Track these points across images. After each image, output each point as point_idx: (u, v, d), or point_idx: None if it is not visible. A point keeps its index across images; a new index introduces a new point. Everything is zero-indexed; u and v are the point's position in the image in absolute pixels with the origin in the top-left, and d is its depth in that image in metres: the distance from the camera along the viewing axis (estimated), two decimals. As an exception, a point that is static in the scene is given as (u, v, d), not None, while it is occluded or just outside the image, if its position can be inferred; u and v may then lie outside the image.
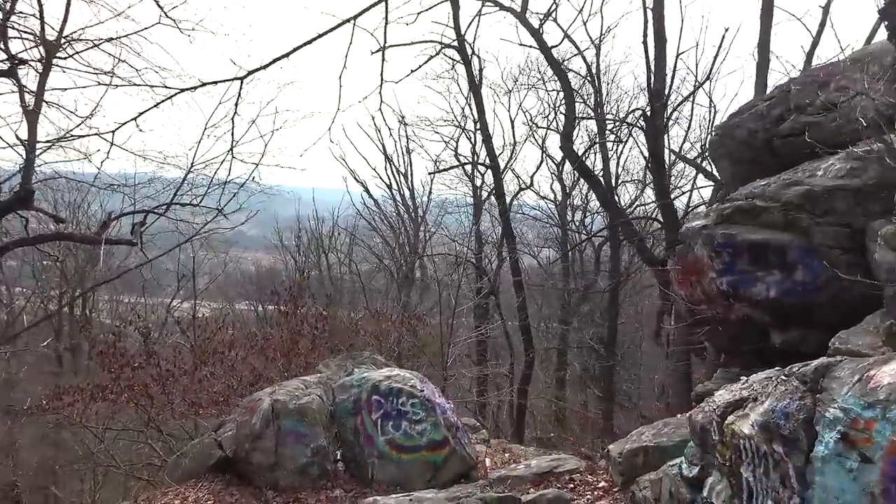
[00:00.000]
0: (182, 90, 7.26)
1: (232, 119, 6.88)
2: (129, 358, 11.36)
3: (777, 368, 5.48)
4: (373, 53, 11.24)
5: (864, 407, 3.58)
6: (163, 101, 7.88)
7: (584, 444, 20.26)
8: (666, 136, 13.54)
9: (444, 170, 20.55)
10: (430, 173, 20.34)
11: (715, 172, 14.83)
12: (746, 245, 7.46)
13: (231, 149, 10.06)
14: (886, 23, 7.41)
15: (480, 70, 18.67)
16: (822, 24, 14.31)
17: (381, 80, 7.88)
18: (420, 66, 15.14)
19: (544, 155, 25.27)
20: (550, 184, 27.59)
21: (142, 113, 9.13)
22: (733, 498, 4.99)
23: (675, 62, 13.21)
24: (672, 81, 13.03)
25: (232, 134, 7.06)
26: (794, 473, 4.04)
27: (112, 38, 9.41)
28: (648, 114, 12.88)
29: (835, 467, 3.69)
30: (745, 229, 7.56)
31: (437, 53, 16.37)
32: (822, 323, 7.37)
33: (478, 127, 20.70)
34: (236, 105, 6.60)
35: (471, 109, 23.25)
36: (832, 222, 7.32)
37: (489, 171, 23.06)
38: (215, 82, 6.70)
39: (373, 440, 9.11)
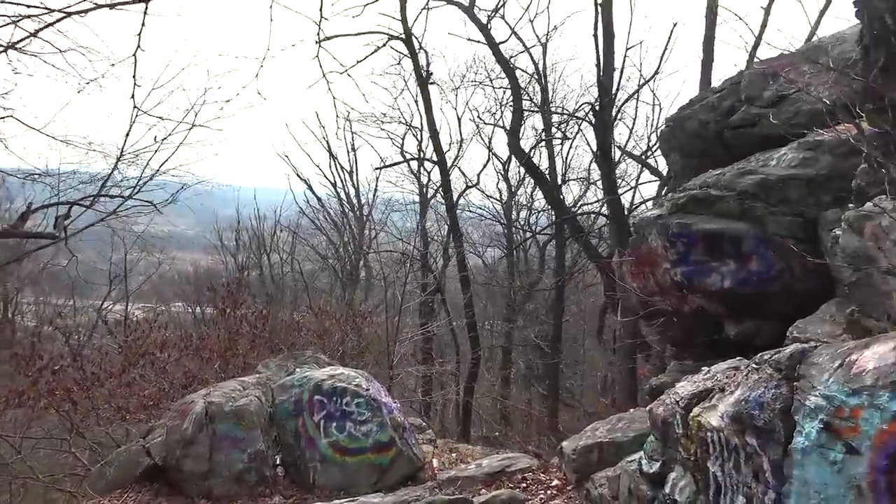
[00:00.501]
0: (69, 13, 6.30)
1: (134, 55, 6.11)
2: (50, 360, 10.46)
3: (739, 358, 5.25)
4: (317, 43, 10.66)
5: (848, 394, 3.31)
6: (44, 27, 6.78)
7: (530, 441, 20.15)
8: (613, 133, 13.45)
9: (390, 165, 20.11)
10: (375, 168, 19.84)
11: (661, 168, 14.84)
12: (702, 234, 7.27)
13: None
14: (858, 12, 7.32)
15: (428, 64, 18.28)
16: (764, 26, 14.49)
17: (319, 56, 7.29)
18: (366, 58, 14.66)
19: (490, 154, 25.06)
20: (496, 182, 27.45)
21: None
22: (698, 494, 4.70)
23: (624, 58, 13.11)
24: (620, 78, 12.96)
25: (134, 78, 6.20)
26: (769, 467, 3.76)
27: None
28: (597, 108, 12.73)
29: (816, 459, 3.41)
30: (700, 219, 7.38)
31: (384, 45, 15.92)
32: (776, 314, 7.24)
33: (425, 123, 20.29)
34: (139, 36, 5.79)
35: (417, 106, 22.93)
36: (786, 212, 7.19)
37: (436, 169, 22.73)
38: (112, 5, 5.89)
39: (315, 443, 8.58)
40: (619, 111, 13.32)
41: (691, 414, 4.73)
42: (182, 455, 8.29)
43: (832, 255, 6.53)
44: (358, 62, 14.37)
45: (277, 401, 9.09)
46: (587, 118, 13.06)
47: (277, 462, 8.74)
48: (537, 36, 20.17)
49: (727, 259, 7.20)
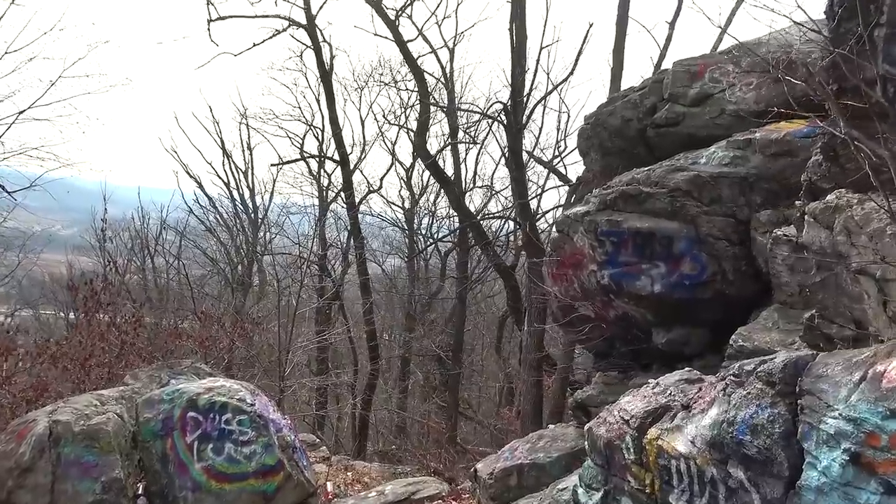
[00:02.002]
0: None
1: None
2: None
3: (688, 370, 4.45)
4: (209, 22, 9.36)
5: (884, 416, 2.48)
6: None
7: (429, 456, 19.15)
8: (524, 134, 12.79)
9: (289, 162, 18.61)
10: (272, 165, 18.23)
11: (569, 175, 14.33)
12: (632, 233, 6.53)
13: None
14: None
15: (332, 57, 17.06)
16: (669, 39, 14.29)
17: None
18: (264, 41, 13.29)
19: (394, 159, 24.03)
20: (399, 190, 26.47)
21: None
22: (654, 534, 3.82)
23: (538, 59, 12.51)
24: (534, 78, 12.34)
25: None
26: (763, 508, 2.90)
27: None
28: (509, 107, 12.02)
29: (839, 502, 2.56)
30: (630, 216, 6.63)
31: (284, 30, 14.56)
32: (706, 321, 6.60)
33: (327, 118, 19.00)
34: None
35: (319, 105, 21.57)
36: (718, 212, 6.58)
37: (336, 171, 21.45)
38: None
39: (186, 468, 7.16)
40: (532, 111, 12.70)
41: (647, 436, 3.85)
42: (16, 486, 6.68)
43: (771, 259, 5.94)
44: (255, 45, 12.98)
45: (142, 418, 7.60)
46: (499, 117, 12.31)
47: (139, 492, 7.24)
48: (444, 40, 19.42)
49: (657, 261, 6.50)
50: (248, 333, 12.71)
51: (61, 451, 6.85)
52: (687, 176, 6.58)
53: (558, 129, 16.09)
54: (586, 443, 4.65)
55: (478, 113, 12.16)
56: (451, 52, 20.02)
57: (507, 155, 12.67)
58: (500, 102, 12.15)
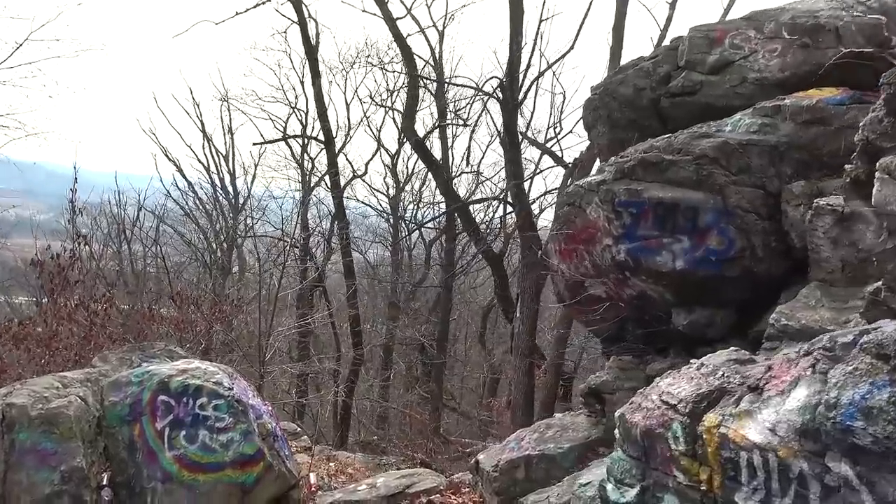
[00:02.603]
0: None
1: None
2: None
3: (735, 349, 3.82)
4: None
5: None
6: None
7: (412, 446, 18.50)
8: (520, 112, 12.14)
9: (273, 141, 17.80)
10: (255, 144, 17.37)
11: (564, 157, 13.71)
12: (654, 204, 5.89)
13: None
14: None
15: (317, 34, 16.23)
16: (669, 20, 13.74)
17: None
18: (248, 10, 12.46)
19: (379, 146, 23.27)
20: (384, 177, 25.66)
21: None
22: (710, 539, 3.18)
23: (539, 29, 11.82)
24: (532, 54, 11.67)
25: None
26: (881, 512, 2.26)
27: None
28: (506, 82, 11.34)
29: None
30: (651, 186, 5.99)
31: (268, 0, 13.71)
32: (731, 301, 5.99)
33: (311, 98, 18.16)
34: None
35: (303, 87, 20.73)
36: (747, 182, 5.96)
37: (321, 155, 20.63)
38: None
39: (156, 457, 6.42)
40: (530, 87, 12.04)
41: (704, 423, 3.20)
42: (-38, 476, 5.88)
43: (811, 233, 5.32)
44: (237, 13, 12.17)
45: (108, 402, 6.84)
46: (494, 93, 11.63)
47: (104, 482, 6.47)
48: (433, 21, 18.72)
49: (680, 235, 5.87)
50: (227, 317, 11.92)
51: (15, 437, 6.09)
52: (714, 142, 5.95)
53: (551, 109, 15.52)
54: (617, 431, 4.00)
55: (472, 88, 11.49)
56: (441, 33, 19.34)
57: (501, 133, 12.00)
58: (497, 78, 11.48)
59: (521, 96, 11.79)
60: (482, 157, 21.08)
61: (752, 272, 5.82)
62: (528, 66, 11.77)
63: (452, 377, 26.63)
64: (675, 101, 7.49)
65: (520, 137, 12.12)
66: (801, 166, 6.05)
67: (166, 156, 25.30)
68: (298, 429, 13.08)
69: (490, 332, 25.80)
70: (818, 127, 6.06)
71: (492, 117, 13.24)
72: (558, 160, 13.02)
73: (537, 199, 13.51)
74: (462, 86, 11.32)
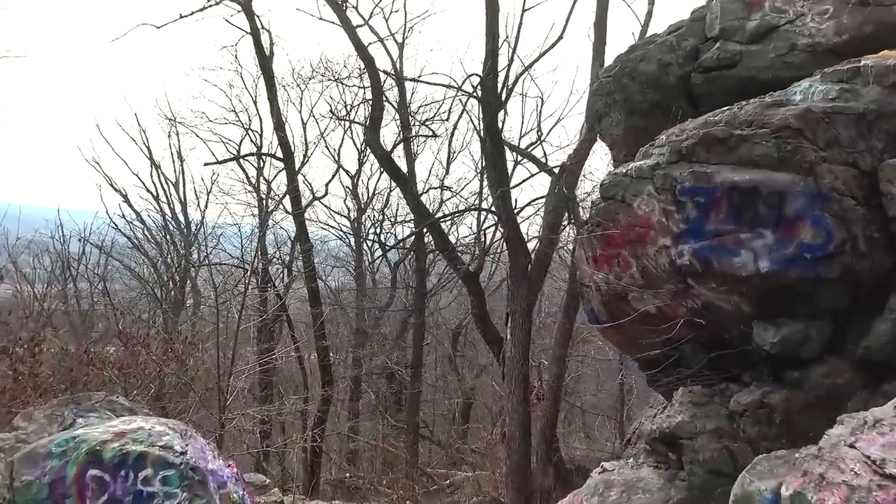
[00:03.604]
0: None
1: None
2: None
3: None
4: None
5: None
6: None
7: (390, 483, 16.70)
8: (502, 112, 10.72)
9: (226, 161, 15.95)
10: (206, 164, 15.56)
11: (555, 160, 12.35)
12: (727, 189, 4.49)
13: None
14: None
15: (271, 44, 14.60)
16: (649, 14, 12.57)
17: None
18: (193, 13, 10.79)
19: (339, 167, 21.62)
20: (344, 199, 24.02)
21: None
22: None
23: (521, 21, 10.44)
24: (514, 50, 10.31)
25: None
26: None
27: None
28: (488, 80, 9.96)
29: None
30: (721, 168, 4.59)
31: (217, 3, 12.05)
32: (826, 310, 4.59)
33: (267, 113, 16.42)
34: None
35: (256, 106, 18.97)
36: (837, 159, 4.61)
37: (277, 178, 18.89)
38: None
39: (84, 557, 4.66)
40: (514, 84, 10.64)
41: None
42: None
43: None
44: (182, 16, 10.53)
45: (20, 482, 5.05)
46: (475, 93, 10.23)
47: None
48: (391, 33, 17.38)
49: (762, 228, 4.50)
50: (181, 357, 10.04)
51: None
52: (796, 111, 4.61)
53: (522, 117, 14.24)
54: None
55: (451, 87, 10.06)
56: (401, 46, 18.02)
57: (482, 136, 10.57)
58: (477, 75, 10.08)
59: (506, 93, 10.39)
60: (446, 173, 19.53)
61: (853, 271, 4.46)
62: (511, 61, 10.39)
63: (423, 403, 24.85)
64: (709, 76, 6.18)
65: (503, 140, 10.73)
66: (892, 139, 4.75)
67: (112, 186, 23.01)
68: (266, 480, 11.23)
69: (461, 354, 24.24)
70: (907, 91, 4.78)
71: (471, 120, 11.90)
72: (542, 166, 11.69)
73: (522, 208, 12.15)
74: (439, 85, 9.97)
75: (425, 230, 15.79)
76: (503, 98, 10.37)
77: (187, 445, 5.52)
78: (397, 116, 16.70)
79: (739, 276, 4.51)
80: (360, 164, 22.35)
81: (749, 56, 6.05)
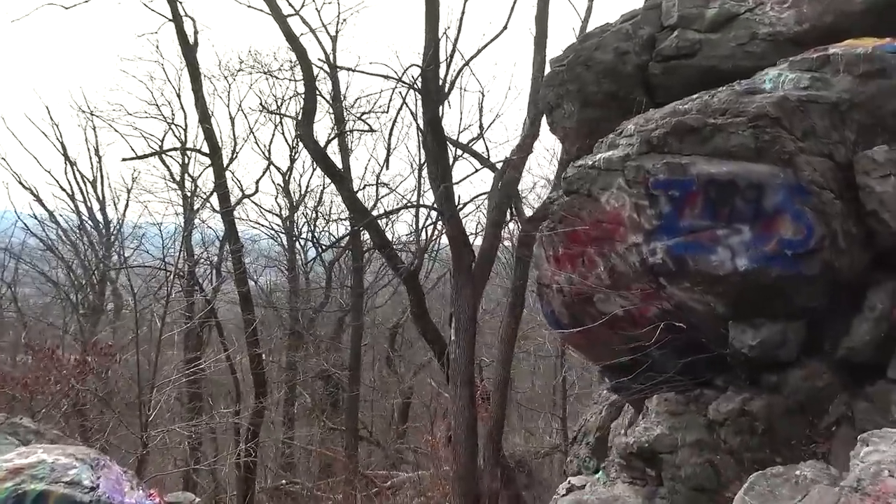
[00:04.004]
0: None
1: None
2: None
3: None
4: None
5: None
6: None
7: (328, 488, 15.95)
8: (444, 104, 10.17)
9: (147, 156, 14.68)
10: (124, 160, 14.29)
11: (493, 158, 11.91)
12: (704, 183, 4.11)
13: None
14: None
15: (196, 33, 13.53)
16: (589, 10, 12.27)
17: None
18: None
19: (269, 164, 20.59)
20: (275, 197, 22.96)
21: None
22: None
23: (463, 9, 9.92)
24: (457, 39, 9.79)
25: None
26: None
27: None
28: (429, 71, 9.39)
29: None
30: (696, 160, 4.21)
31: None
32: (804, 310, 4.29)
33: (191, 105, 15.31)
34: None
35: (180, 100, 17.75)
36: (814, 150, 4.32)
37: (203, 176, 17.74)
38: None
39: None
40: (457, 76, 10.10)
41: None
42: None
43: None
44: (93, -5, 9.39)
45: None
46: (415, 85, 9.64)
47: None
48: (325, 27, 16.59)
49: (740, 223, 4.16)
50: (95, 369, 9.05)
51: None
52: (773, 98, 4.28)
53: (460, 113, 13.78)
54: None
55: (389, 78, 9.40)
56: (334, 39, 17.25)
57: (424, 130, 10.00)
58: (417, 66, 9.50)
59: (448, 85, 9.84)
60: (386, 168, 18.89)
61: (832, 268, 4.18)
62: (454, 51, 9.85)
63: (361, 404, 24.10)
64: (668, 65, 5.84)
65: (445, 134, 10.20)
66: (863, 130, 4.50)
67: (21, 183, 21.09)
68: (196, 499, 10.31)
69: (399, 354, 23.62)
70: (878, 80, 4.55)
71: (412, 113, 11.30)
72: (485, 162, 11.24)
73: (464, 205, 11.62)
74: (377, 75, 9.29)
75: (362, 229, 15.12)
76: (445, 90, 9.83)
77: (99, 478, 4.74)
78: (331, 110, 15.96)
79: (716, 275, 4.15)
80: (292, 160, 21.40)
81: (709, 45, 5.75)
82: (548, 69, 7.01)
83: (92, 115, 19.62)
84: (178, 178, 18.83)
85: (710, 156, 4.20)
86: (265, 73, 16.58)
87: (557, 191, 5.05)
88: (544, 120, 11.05)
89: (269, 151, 20.06)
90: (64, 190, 21.37)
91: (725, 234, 4.11)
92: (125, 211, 21.25)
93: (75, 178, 21.28)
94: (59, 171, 23.14)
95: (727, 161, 4.14)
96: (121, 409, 8.63)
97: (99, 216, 22.03)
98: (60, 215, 21.52)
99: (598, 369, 6.13)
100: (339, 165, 16.55)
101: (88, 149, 20.71)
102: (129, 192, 20.95)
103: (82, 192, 21.67)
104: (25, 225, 20.80)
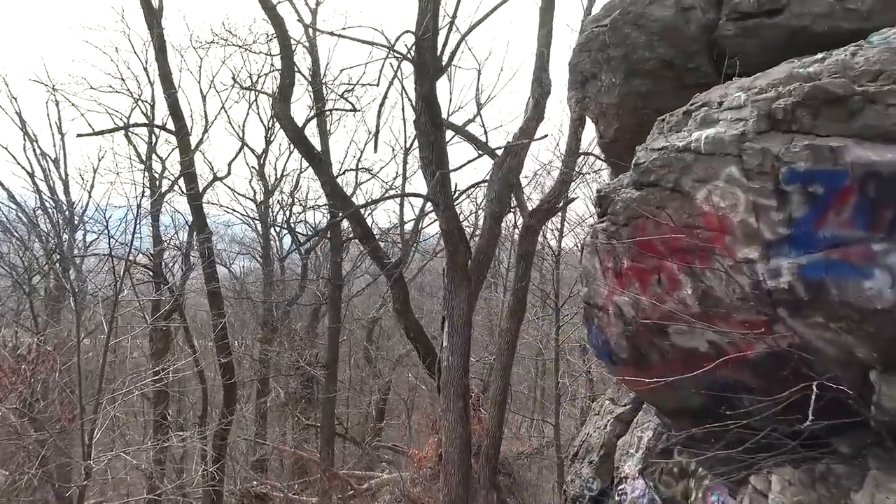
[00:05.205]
0: None
1: None
2: None
3: None
4: None
5: None
6: None
7: (301, 489, 14.63)
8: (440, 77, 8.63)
9: (106, 132, 12.82)
10: (79, 135, 12.52)
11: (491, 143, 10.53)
12: (861, 175, 2.74)
13: None
14: None
15: (161, -2, 11.79)
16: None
17: None
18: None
19: (243, 145, 18.88)
20: (249, 180, 21.25)
21: None
22: None
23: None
24: (456, 9, 8.26)
25: None
26: None
27: None
28: (425, 40, 7.84)
29: None
30: (845, 142, 2.84)
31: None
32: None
33: (155, 75, 13.56)
34: None
35: (148, 74, 15.91)
36: None
37: (171, 156, 16.00)
38: None
39: None
40: (458, 46, 8.53)
41: None
42: None
43: None
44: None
45: None
46: (408, 55, 8.11)
47: None
48: (306, 2, 15.04)
49: (902, 234, 2.78)
50: (28, 376, 7.46)
51: None
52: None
53: (451, 93, 12.34)
54: None
55: (381, 46, 7.83)
56: (314, 12, 15.63)
57: (418, 108, 8.52)
58: (411, 32, 7.97)
59: (448, 57, 8.36)
60: (361, 154, 17.33)
61: None
62: (454, 17, 8.33)
63: (336, 400, 22.64)
64: (745, 25, 4.48)
65: (441, 114, 8.73)
66: None
67: (-26, 160, 19.04)
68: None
69: (377, 347, 22.18)
70: None
71: (404, 88, 9.77)
72: (484, 147, 9.81)
73: (458, 195, 10.14)
74: (365, 42, 7.72)
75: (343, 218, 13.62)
76: (444, 62, 8.36)
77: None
78: (310, 88, 14.37)
79: (869, 309, 2.83)
80: (268, 142, 19.74)
81: (798, 2, 4.38)
82: (571, 42, 5.58)
83: (54, 89, 17.71)
84: (144, 158, 17.05)
85: (858, 137, 2.88)
86: (239, 46, 14.87)
87: (620, 184, 3.66)
88: (550, 101, 9.64)
89: (242, 132, 18.35)
90: (24, 168, 19.39)
91: (885, 251, 2.80)
92: (91, 188, 19.31)
93: (35, 155, 19.32)
94: (18, 148, 21.06)
95: (890, 145, 2.82)
96: (52, 433, 7.04)
97: (62, 196, 20.12)
98: (22, 199, 19.52)
99: (656, 412, 4.79)
100: (318, 148, 15.03)
101: (50, 125, 18.79)
102: (94, 171, 19.06)
103: (43, 171, 19.72)
104: (-20, 204, 18.71)
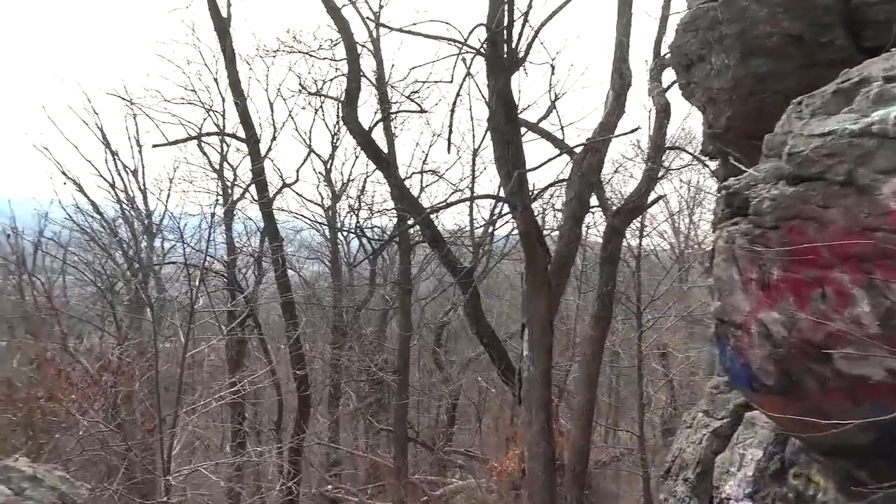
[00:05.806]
0: None
1: None
2: None
3: None
4: None
5: None
6: None
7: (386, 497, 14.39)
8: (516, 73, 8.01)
9: (179, 142, 12.98)
10: (154, 146, 12.67)
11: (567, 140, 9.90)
12: None
13: None
14: None
15: (229, 5, 11.76)
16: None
17: None
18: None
19: (310, 151, 18.89)
20: (316, 186, 21.25)
21: None
22: None
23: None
24: (531, 4, 7.66)
25: None
26: None
27: None
28: (498, 33, 7.31)
29: None
30: None
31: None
32: None
33: (226, 85, 13.58)
34: None
35: (218, 85, 16.09)
36: None
37: (242, 164, 16.09)
38: None
39: None
40: (533, 39, 7.90)
41: None
42: None
43: None
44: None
45: None
46: (481, 49, 7.57)
47: None
48: (368, 4, 14.73)
49: None
50: (106, 388, 7.39)
51: None
52: None
53: (518, 89, 11.73)
54: None
55: (449, 41, 7.31)
56: (377, 16, 15.36)
57: (492, 105, 8.01)
58: (484, 26, 7.43)
59: (525, 49, 7.79)
60: (426, 156, 16.91)
61: None
62: (528, 10, 7.69)
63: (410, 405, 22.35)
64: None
65: (518, 111, 8.20)
66: None
67: (63, 173, 19.75)
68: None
69: (445, 349, 21.79)
70: None
71: (476, 85, 9.28)
72: (561, 145, 9.19)
73: (536, 196, 9.53)
74: (439, 38, 7.25)
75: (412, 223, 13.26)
76: (520, 56, 7.80)
77: None
78: (376, 92, 14.10)
79: None
80: (334, 147, 19.71)
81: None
82: (670, 20, 4.94)
83: (131, 102, 18.20)
84: (217, 167, 17.26)
85: None
86: (305, 52, 14.75)
87: (757, 178, 3.03)
88: (632, 92, 8.91)
89: (309, 138, 18.35)
90: (105, 179, 20.06)
91: None
92: (168, 197, 19.76)
93: (116, 168, 19.94)
94: (101, 161, 21.76)
95: None
96: (131, 444, 6.91)
97: (141, 206, 20.70)
98: (104, 210, 20.21)
99: (800, 444, 4.10)
100: (386, 150, 14.76)
101: (129, 138, 19.31)
102: (171, 181, 19.50)
103: (124, 182, 20.34)
104: (70, 216, 19.46)
